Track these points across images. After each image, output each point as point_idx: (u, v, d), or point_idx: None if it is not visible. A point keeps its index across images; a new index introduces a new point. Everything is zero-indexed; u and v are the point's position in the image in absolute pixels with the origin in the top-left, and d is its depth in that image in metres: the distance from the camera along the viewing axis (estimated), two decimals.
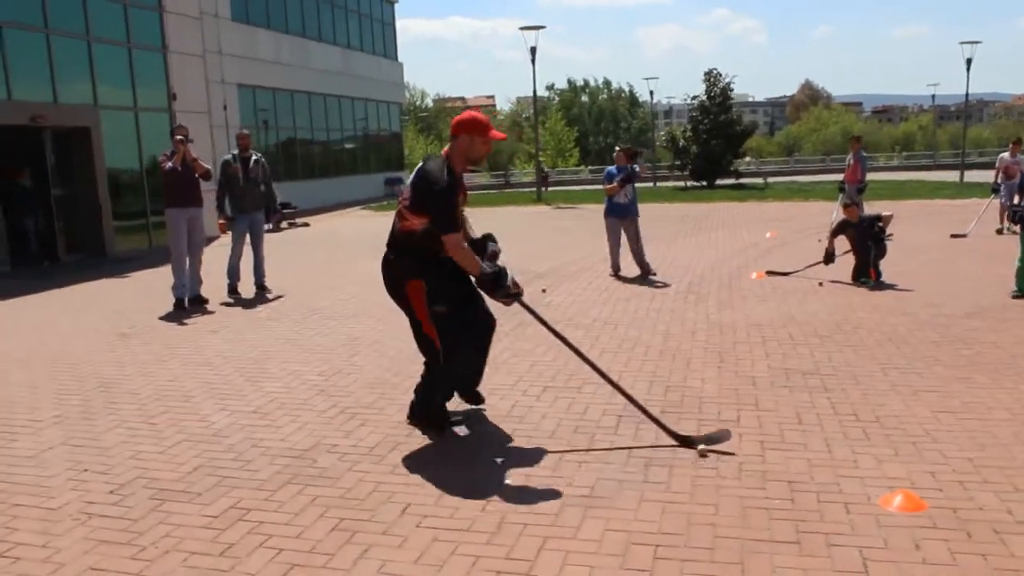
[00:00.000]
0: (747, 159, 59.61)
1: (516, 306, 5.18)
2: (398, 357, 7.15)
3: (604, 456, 4.75)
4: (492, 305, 5.25)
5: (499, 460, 4.76)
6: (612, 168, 11.32)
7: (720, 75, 35.22)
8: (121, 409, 6.14)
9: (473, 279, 4.97)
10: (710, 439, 4.80)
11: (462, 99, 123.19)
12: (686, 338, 7.55)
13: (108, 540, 4.00)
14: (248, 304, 10.44)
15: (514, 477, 4.52)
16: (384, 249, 5.11)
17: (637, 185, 11.68)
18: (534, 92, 30.80)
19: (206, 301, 10.36)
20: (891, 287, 9.71)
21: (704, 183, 34.06)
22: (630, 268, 11.23)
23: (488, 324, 5.21)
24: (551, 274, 11.72)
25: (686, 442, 4.74)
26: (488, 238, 5.04)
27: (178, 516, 4.23)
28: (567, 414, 5.49)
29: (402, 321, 5.44)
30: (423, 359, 5.32)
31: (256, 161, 10.95)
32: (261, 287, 11.13)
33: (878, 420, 5.22)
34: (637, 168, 11.28)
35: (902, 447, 4.75)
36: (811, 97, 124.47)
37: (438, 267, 4.83)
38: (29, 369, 7.56)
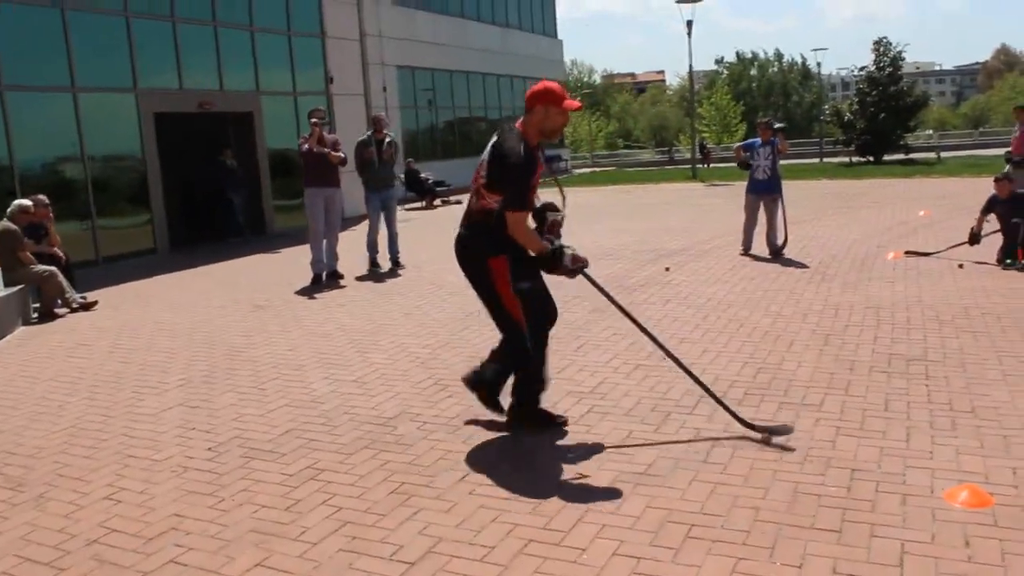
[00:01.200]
0: (928, 132, 56.41)
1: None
2: None
3: (672, 435, 4.77)
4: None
5: (567, 434, 4.87)
6: (756, 140, 11.13)
7: (891, 44, 33.52)
8: (238, 375, 6.62)
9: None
10: (773, 431, 4.64)
11: (631, 75, 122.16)
12: (796, 319, 7.37)
13: (195, 491, 4.39)
14: (380, 279, 10.92)
15: (576, 451, 4.62)
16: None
17: (782, 161, 11.36)
18: (690, 67, 30.30)
19: (341, 276, 10.88)
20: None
21: (871, 158, 32.53)
22: (764, 247, 10.96)
23: (551, 314, 5.04)
24: (682, 252, 11.62)
25: (750, 427, 4.64)
26: (548, 207, 4.81)
27: (259, 473, 4.59)
28: (650, 393, 5.52)
29: None
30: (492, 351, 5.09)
31: (390, 142, 11.38)
32: (396, 263, 11.58)
33: (974, 411, 4.98)
34: (777, 142, 10.92)
35: (990, 440, 4.52)
36: (1007, 63, 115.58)
37: (518, 244, 4.64)
38: (172, 336, 8.22)
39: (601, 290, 4.92)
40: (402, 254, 11.70)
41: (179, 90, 16.05)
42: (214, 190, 17.56)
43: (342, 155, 10.65)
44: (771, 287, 8.83)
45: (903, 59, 33.72)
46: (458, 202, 23.41)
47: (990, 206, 9.88)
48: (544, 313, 4.95)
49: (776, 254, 10.63)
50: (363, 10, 24.48)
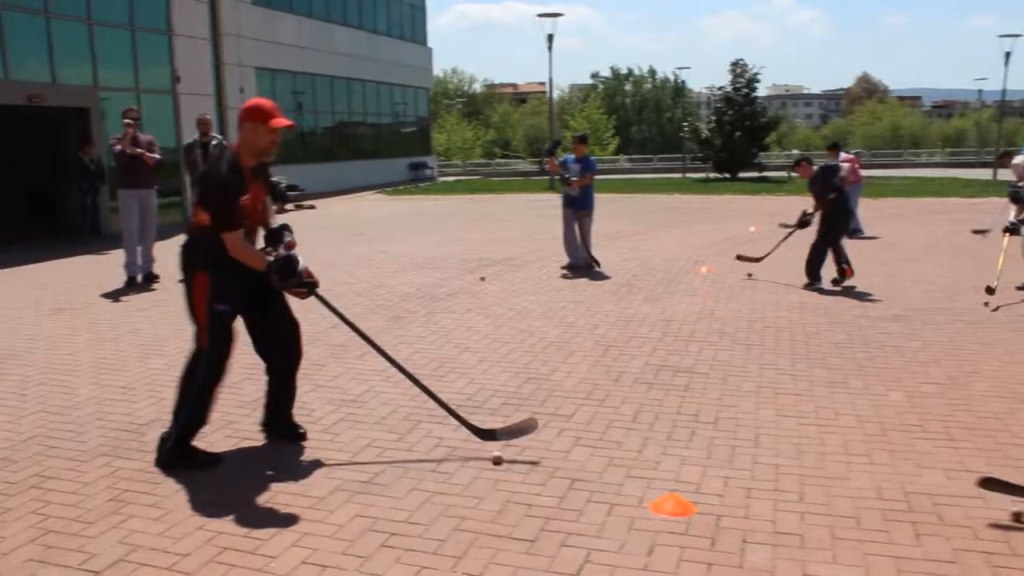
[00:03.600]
0: (794, 151, 58.69)
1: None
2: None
3: (413, 444, 4.81)
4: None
5: (307, 442, 4.86)
6: (569, 156, 11.19)
7: (747, 66, 34.78)
8: (5, 380, 6.35)
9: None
10: (513, 431, 4.78)
11: (513, 85, 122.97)
12: (585, 331, 7.55)
13: None
14: None
15: (309, 458, 4.62)
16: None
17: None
18: (550, 80, 30.84)
19: (157, 279, 10.58)
20: (843, 288, 9.48)
21: (727, 175, 33.65)
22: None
23: (290, 336, 4.84)
24: (505, 262, 11.74)
25: (488, 436, 4.72)
26: (283, 228, 4.69)
27: None
28: (410, 402, 5.54)
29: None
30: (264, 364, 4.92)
31: (216, 145, 11.18)
32: None
33: (716, 422, 5.19)
34: (574, 167, 10.92)
35: (718, 451, 4.72)
36: (867, 90, 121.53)
37: (230, 263, 4.46)
38: None
39: (332, 309, 4.79)
40: None
41: (4, 80, 15.31)
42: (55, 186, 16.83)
43: (157, 156, 10.38)
44: (575, 299, 9.02)
45: (758, 81, 35.00)
46: (312, 207, 23.17)
47: (812, 188, 10.05)
48: (275, 347, 4.82)
49: (590, 267, 10.84)
50: (220, 9, 23.98)
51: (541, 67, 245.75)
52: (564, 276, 10.53)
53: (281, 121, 4.53)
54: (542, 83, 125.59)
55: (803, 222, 10.03)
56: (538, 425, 4.87)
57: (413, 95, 38.13)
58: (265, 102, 4.60)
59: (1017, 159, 12.55)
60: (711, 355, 6.74)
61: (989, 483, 3.94)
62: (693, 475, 4.39)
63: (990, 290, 8.66)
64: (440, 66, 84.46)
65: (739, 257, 10.91)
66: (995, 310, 8.29)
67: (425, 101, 40.35)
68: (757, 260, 10.70)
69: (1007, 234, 9.21)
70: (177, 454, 4.55)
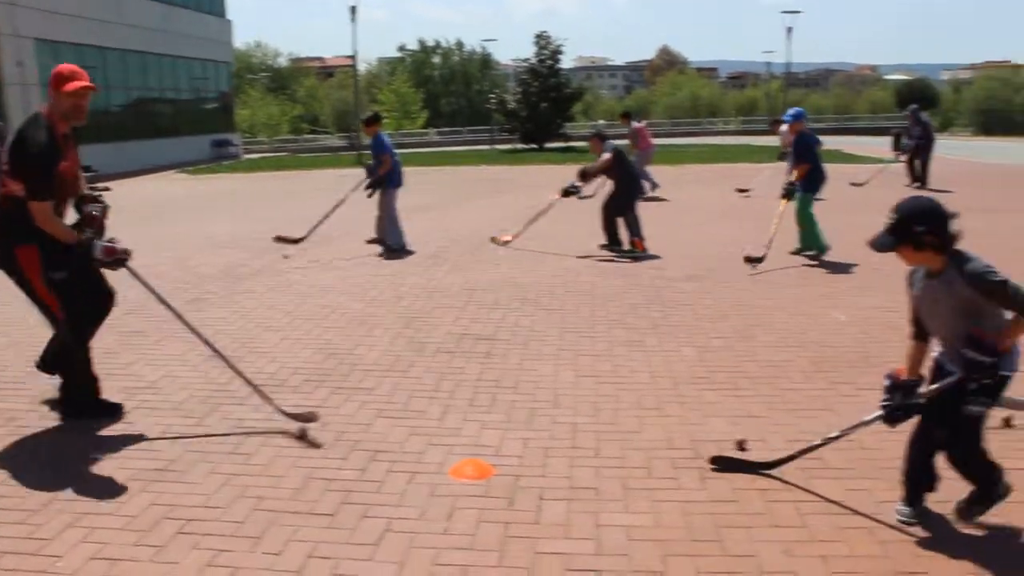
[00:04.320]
0: (600, 121, 60.32)
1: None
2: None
3: (211, 428, 4.69)
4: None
5: (98, 433, 4.65)
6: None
7: (550, 39, 35.47)
8: None
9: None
10: (301, 418, 4.67)
11: (320, 59, 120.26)
12: (389, 303, 7.56)
13: None
14: None
15: (100, 449, 4.42)
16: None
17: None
18: (354, 53, 30.37)
19: None
20: (641, 253, 9.79)
21: (534, 146, 34.27)
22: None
23: (106, 295, 4.86)
24: (312, 238, 11.52)
25: (291, 416, 4.65)
26: (87, 199, 4.66)
27: None
28: (208, 385, 5.39)
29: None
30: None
31: None
32: None
33: (516, 386, 5.33)
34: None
35: (517, 414, 4.85)
36: (668, 62, 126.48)
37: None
38: None
39: (145, 284, 4.80)
40: None
41: None
42: None
43: None
44: (381, 272, 9.00)
45: (562, 52, 35.74)
46: (106, 188, 21.85)
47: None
48: (92, 305, 4.80)
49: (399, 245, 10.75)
50: None
51: (347, 40, 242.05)
52: (367, 249, 10.39)
53: (76, 84, 4.48)
54: (349, 56, 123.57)
55: (567, 191, 10.30)
56: (317, 417, 4.73)
57: (214, 69, 36.63)
58: (64, 67, 4.58)
59: (783, 127, 13.47)
60: (513, 321, 6.89)
61: (719, 461, 4.15)
62: (493, 439, 4.50)
63: (751, 260, 8.96)
64: (242, 39, 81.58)
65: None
66: (754, 273, 8.66)
67: (227, 76, 38.86)
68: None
69: (784, 199, 9.68)
70: (81, 414, 4.80)
